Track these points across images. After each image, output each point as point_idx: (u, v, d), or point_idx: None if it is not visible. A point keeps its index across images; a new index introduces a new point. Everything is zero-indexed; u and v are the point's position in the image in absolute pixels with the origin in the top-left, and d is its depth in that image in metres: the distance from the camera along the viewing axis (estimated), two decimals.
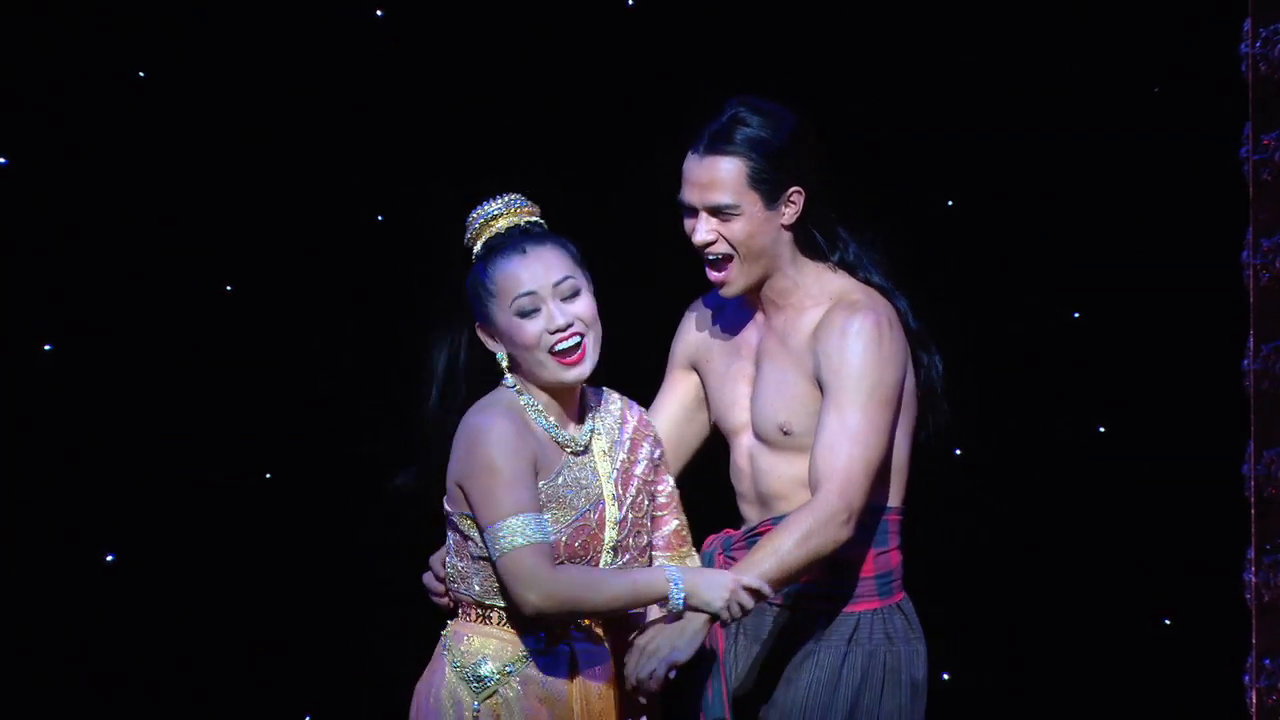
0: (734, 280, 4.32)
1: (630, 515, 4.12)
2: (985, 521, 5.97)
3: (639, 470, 4.17)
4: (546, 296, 4.06)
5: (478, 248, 4.15)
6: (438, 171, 5.87)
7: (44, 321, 5.84)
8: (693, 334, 4.50)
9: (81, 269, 5.84)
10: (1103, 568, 5.95)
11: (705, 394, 4.47)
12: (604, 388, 4.25)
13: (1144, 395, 5.94)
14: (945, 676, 5.99)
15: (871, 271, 4.39)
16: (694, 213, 4.31)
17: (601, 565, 4.08)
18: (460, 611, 4.14)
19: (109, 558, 5.89)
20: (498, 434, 4.03)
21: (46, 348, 5.85)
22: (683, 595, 3.95)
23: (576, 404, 4.15)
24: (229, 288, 5.93)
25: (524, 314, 4.06)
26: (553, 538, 4.01)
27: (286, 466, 5.95)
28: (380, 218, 5.95)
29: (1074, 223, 5.94)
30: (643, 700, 4.03)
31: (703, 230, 4.29)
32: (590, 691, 4.06)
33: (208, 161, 5.88)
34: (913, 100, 5.93)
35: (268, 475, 5.97)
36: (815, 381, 4.28)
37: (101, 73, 5.82)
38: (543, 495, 4.04)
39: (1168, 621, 5.97)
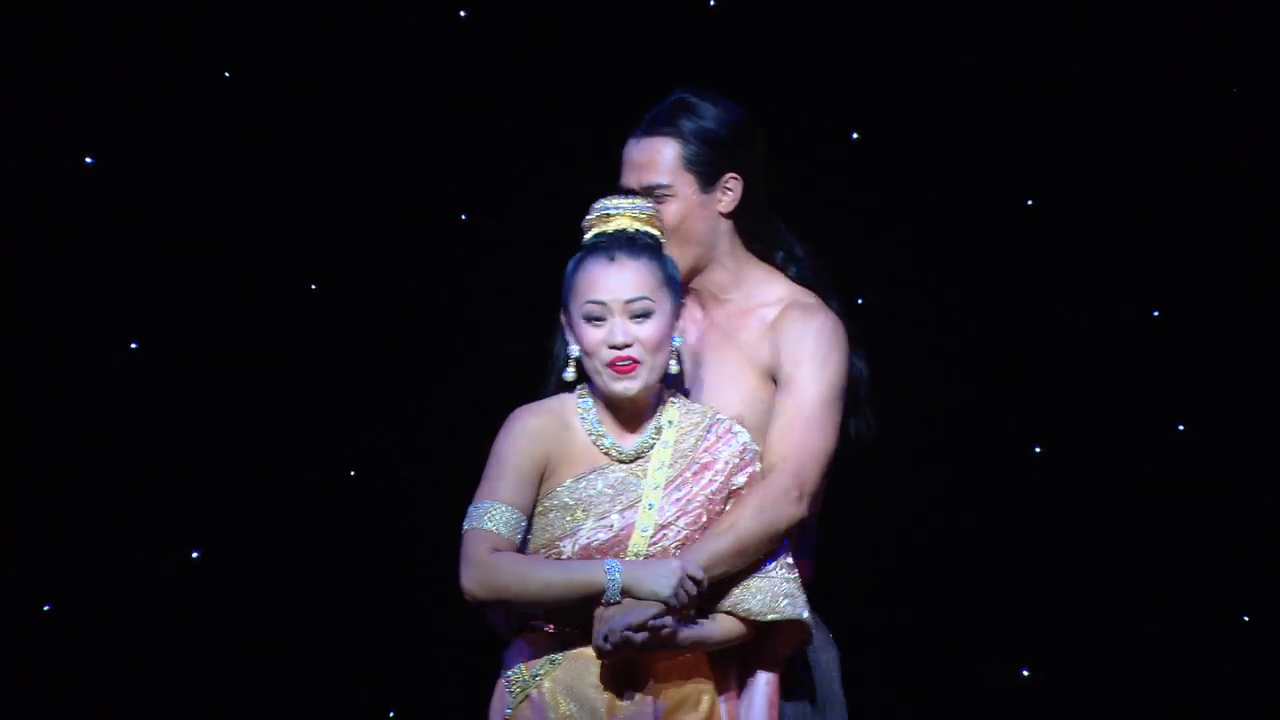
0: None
1: (673, 528, 4.08)
2: (1064, 518, 5.99)
3: (701, 488, 4.12)
4: (616, 310, 4.06)
5: (586, 238, 4.17)
6: (523, 171, 5.90)
7: (130, 320, 5.86)
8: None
9: (166, 267, 5.86)
10: (1181, 565, 5.96)
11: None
12: (703, 406, 4.20)
13: (1223, 394, 5.95)
14: (1025, 673, 6.03)
15: (809, 275, 4.41)
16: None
17: None
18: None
19: (195, 554, 5.93)
20: (516, 427, 4.08)
21: (133, 345, 5.88)
22: (619, 586, 3.96)
23: (639, 415, 4.13)
24: (313, 286, 5.96)
25: (590, 319, 4.07)
26: (520, 537, 4.01)
27: (371, 465, 5.98)
28: (464, 216, 5.98)
29: (1152, 222, 5.96)
30: (606, 649, 3.98)
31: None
32: (619, 694, 4.04)
33: (291, 161, 5.90)
34: (994, 101, 5.95)
35: (352, 473, 6.00)
36: (768, 376, 4.28)
37: (187, 73, 5.85)
38: (566, 496, 4.05)
39: (1246, 619, 5.99)
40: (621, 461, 4.10)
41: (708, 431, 4.17)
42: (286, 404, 5.93)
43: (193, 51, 5.85)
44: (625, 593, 3.96)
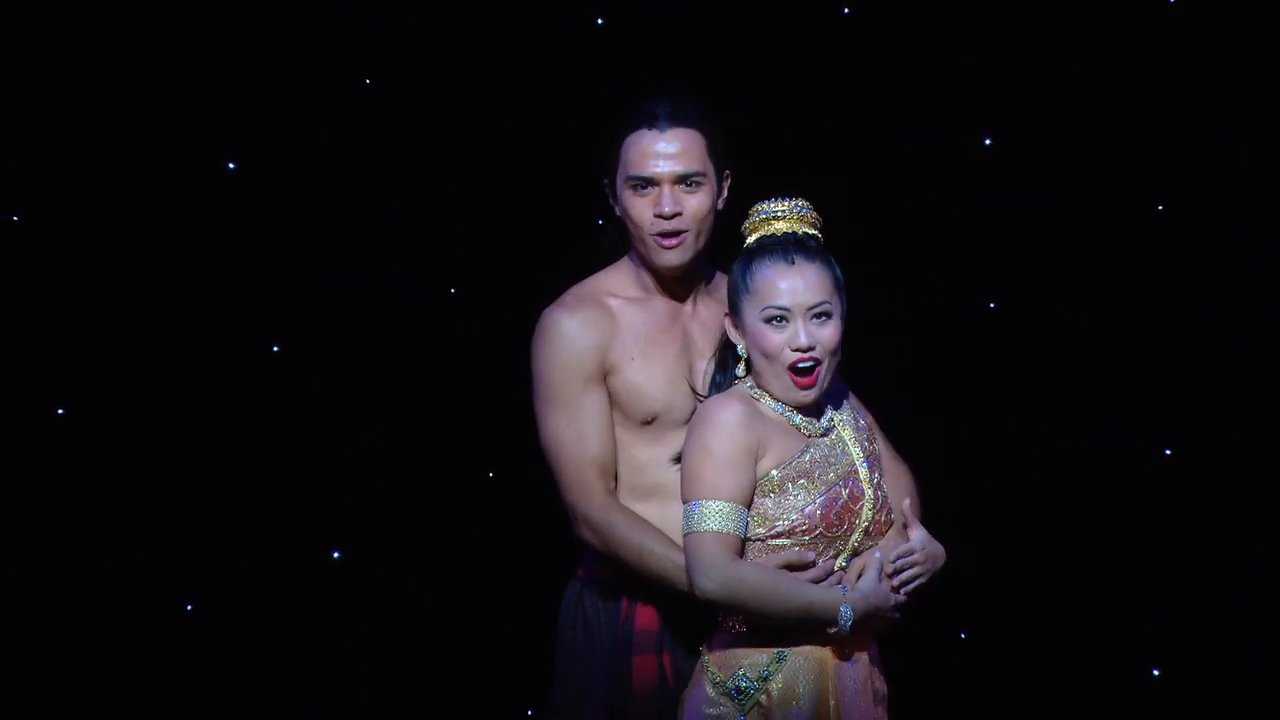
0: (684, 248, 4.38)
1: (879, 495, 4.20)
2: (1192, 520, 6.01)
3: (880, 457, 4.27)
4: (798, 315, 4.13)
5: (750, 240, 4.24)
6: None
7: (272, 322, 5.93)
8: (593, 342, 4.43)
9: (308, 271, 5.93)
10: None
11: (619, 396, 4.43)
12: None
13: None
14: (1155, 672, 6.05)
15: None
16: (648, 188, 4.36)
17: (850, 544, 4.15)
18: (719, 620, 4.20)
19: (335, 555, 5.98)
20: (721, 418, 4.13)
21: (274, 349, 5.95)
22: (849, 628, 4.06)
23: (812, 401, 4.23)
24: (452, 290, 6.01)
25: (771, 321, 4.14)
26: (745, 531, 4.10)
27: (509, 465, 6.02)
28: (601, 221, 6.02)
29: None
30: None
31: (669, 201, 4.34)
32: (845, 689, 4.11)
33: (431, 165, 5.96)
34: (1124, 106, 5.99)
35: (490, 474, 6.05)
36: None
37: (327, 78, 5.91)
38: (793, 470, 4.11)
39: None
40: (817, 435, 4.19)
41: (856, 406, 4.31)
42: (425, 405, 5.99)
43: (333, 58, 5.91)
44: (854, 630, 4.08)
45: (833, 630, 4.06)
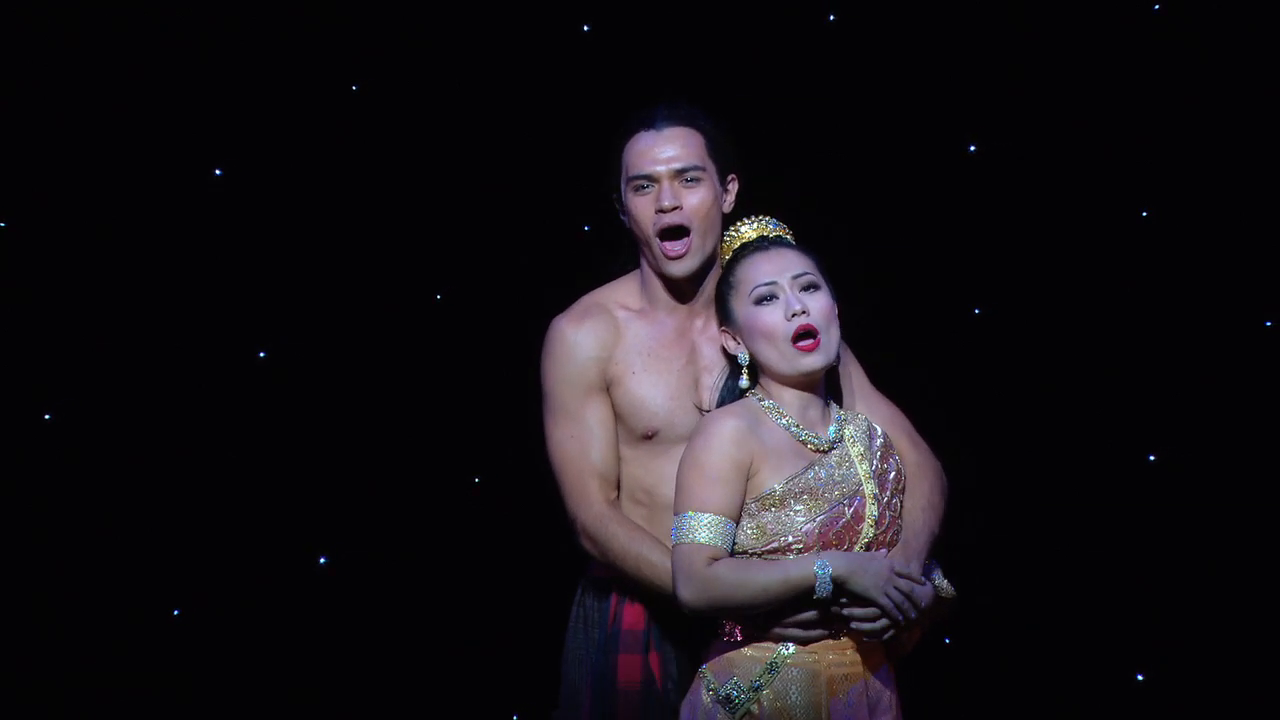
0: (691, 254, 4.38)
1: (888, 515, 4.19)
2: (1177, 525, 6.02)
3: (892, 477, 4.24)
4: (785, 285, 4.17)
5: (727, 258, 4.31)
6: None
7: (257, 329, 5.94)
8: (595, 353, 4.44)
9: (293, 278, 5.94)
10: None
11: (620, 409, 4.42)
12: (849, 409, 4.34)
13: None
14: (1140, 677, 6.06)
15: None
16: (649, 185, 4.37)
17: None
18: (716, 628, 4.21)
19: (321, 560, 5.99)
20: (716, 432, 4.14)
21: (260, 355, 5.95)
22: (830, 584, 4.05)
23: (820, 406, 4.23)
24: (438, 296, 6.02)
25: (762, 301, 4.18)
26: (732, 544, 4.09)
27: (495, 471, 6.04)
28: (586, 228, 6.04)
29: (1267, 232, 6.00)
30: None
31: (669, 195, 4.35)
32: (840, 701, 4.12)
33: (417, 171, 5.97)
34: (1108, 112, 6.01)
35: (476, 479, 6.06)
36: None
37: (315, 85, 5.93)
38: (794, 487, 4.11)
39: None
40: (822, 451, 4.19)
41: (869, 426, 4.29)
42: (410, 410, 5.99)
43: (319, 66, 5.92)
44: (837, 586, 4.05)
45: (818, 595, 4.04)
